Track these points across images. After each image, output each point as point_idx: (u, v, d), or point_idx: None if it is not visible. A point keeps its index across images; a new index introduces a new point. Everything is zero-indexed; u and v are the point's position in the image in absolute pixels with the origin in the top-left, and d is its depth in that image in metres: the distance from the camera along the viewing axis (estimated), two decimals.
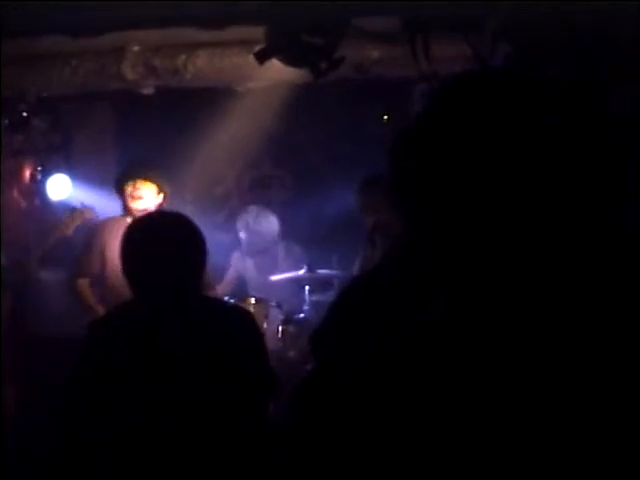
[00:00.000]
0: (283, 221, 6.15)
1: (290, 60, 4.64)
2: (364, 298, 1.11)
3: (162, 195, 4.94)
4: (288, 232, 6.18)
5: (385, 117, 6.38)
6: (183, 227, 2.73)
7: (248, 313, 3.00)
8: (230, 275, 6.07)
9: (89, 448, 2.54)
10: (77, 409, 2.59)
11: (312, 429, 1.10)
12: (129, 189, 4.88)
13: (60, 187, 6.63)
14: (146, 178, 4.90)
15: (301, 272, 5.63)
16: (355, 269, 4.98)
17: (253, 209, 6.09)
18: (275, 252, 6.02)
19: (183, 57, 5.31)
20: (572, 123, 1.02)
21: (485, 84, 1.09)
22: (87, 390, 2.58)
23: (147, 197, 4.87)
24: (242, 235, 6.03)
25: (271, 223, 6.00)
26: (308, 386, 1.15)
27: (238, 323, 2.73)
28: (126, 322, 2.69)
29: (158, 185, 4.93)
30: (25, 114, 6.05)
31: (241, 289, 5.99)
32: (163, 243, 2.68)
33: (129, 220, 4.42)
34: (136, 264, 2.69)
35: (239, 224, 6.05)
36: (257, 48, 4.68)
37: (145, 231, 2.75)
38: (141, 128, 6.63)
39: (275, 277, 5.76)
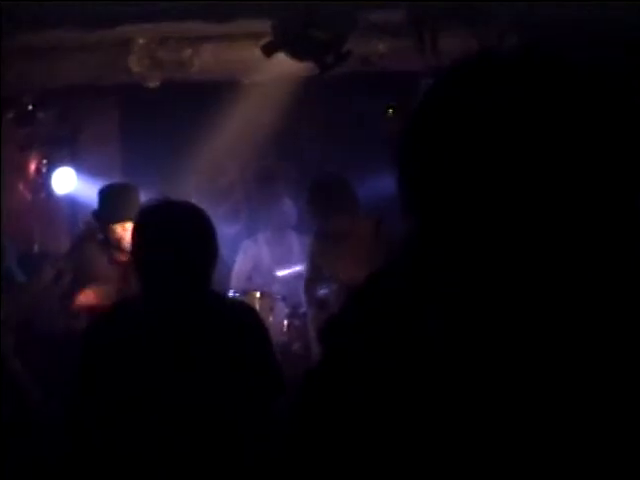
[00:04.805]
0: None
1: (297, 53, 4.63)
2: (376, 297, 1.09)
3: None
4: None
5: (390, 110, 6.37)
6: (196, 217, 2.66)
7: (253, 310, 2.96)
8: (242, 267, 5.98)
9: (95, 447, 2.51)
10: (82, 405, 2.56)
11: (317, 421, 1.09)
12: (112, 231, 4.59)
13: (65, 180, 6.64)
14: (129, 218, 4.39)
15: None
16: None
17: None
18: (290, 243, 6.00)
19: (189, 50, 5.31)
20: (594, 115, 0.94)
21: (485, 71, 1.02)
22: (91, 386, 2.55)
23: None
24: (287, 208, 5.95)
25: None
26: (314, 376, 1.14)
27: (245, 320, 2.70)
28: (130, 316, 2.64)
29: None
30: (31, 107, 6.06)
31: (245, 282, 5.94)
32: (177, 233, 2.60)
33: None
34: (148, 255, 2.62)
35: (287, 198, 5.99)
36: (264, 41, 4.68)
37: (157, 221, 2.66)
38: (147, 121, 6.62)
39: (280, 272, 5.76)
